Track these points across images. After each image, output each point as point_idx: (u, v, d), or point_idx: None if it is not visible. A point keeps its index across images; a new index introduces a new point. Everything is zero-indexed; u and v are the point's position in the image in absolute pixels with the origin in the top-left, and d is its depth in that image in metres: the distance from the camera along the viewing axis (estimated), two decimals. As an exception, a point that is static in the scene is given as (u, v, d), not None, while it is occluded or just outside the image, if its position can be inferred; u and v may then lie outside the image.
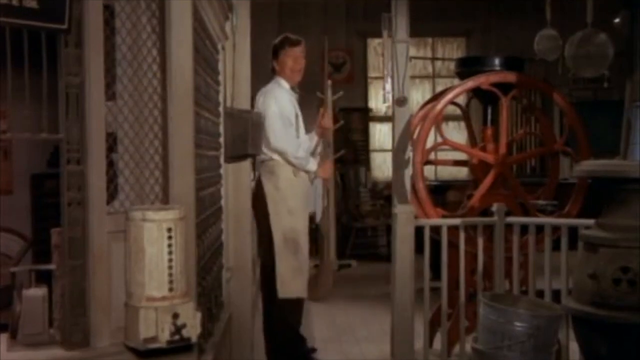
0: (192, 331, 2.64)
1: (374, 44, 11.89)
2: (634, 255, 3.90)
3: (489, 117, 7.55)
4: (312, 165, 4.75)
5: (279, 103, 4.64)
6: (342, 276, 8.33)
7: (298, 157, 4.64)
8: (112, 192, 2.78)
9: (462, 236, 5.07)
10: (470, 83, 7.12)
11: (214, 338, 3.34)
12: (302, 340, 4.71)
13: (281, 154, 4.59)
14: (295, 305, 4.58)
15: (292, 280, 4.51)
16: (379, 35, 9.32)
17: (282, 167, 4.64)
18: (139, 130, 2.87)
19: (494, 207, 5.16)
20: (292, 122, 4.69)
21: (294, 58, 4.74)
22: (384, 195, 10.33)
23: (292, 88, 4.81)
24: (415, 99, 11.08)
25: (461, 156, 6.69)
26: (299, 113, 4.80)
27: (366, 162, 11.72)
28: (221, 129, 4.25)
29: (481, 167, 5.79)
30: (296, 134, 4.72)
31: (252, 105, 4.81)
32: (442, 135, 5.79)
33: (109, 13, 2.76)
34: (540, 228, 5.29)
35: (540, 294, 5.17)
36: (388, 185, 8.66)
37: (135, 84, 2.85)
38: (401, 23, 5.35)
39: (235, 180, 4.65)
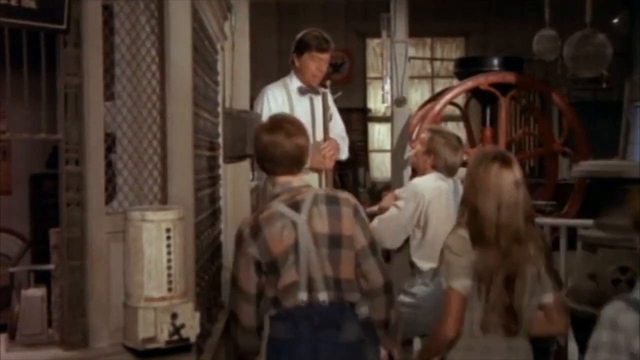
0: (191, 331, 2.64)
1: (373, 44, 11.91)
2: (632, 255, 3.90)
3: (488, 117, 7.58)
4: None
5: (268, 105, 4.38)
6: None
7: None
8: (110, 193, 2.78)
9: (461, 236, 5.06)
10: (469, 83, 7.14)
11: (213, 338, 3.34)
12: None
13: None
14: None
15: None
16: (378, 35, 9.36)
17: None
18: (138, 130, 2.87)
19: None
20: None
21: (318, 64, 4.41)
22: (383, 195, 10.33)
23: (304, 88, 4.44)
24: (414, 99, 11.09)
25: (460, 156, 6.67)
26: (299, 114, 4.29)
27: (365, 163, 11.73)
28: (220, 129, 4.25)
29: (480, 168, 5.79)
30: None
31: (252, 105, 4.75)
32: (441, 136, 5.78)
33: (108, 13, 2.76)
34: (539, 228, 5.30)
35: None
36: (387, 186, 8.67)
37: (134, 84, 2.85)
38: (400, 23, 5.36)
39: (235, 181, 4.64)
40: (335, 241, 2.75)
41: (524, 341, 2.69)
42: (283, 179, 2.88)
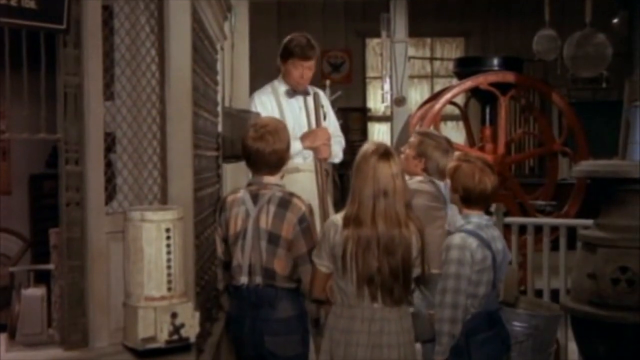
0: (191, 331, 2.64)
1: (372, 43, 11.90)
2: (632, 255, 3.91)
3: (488, 117, 7.57)
4: (294, 146, 4.06)
5: (256, 106, 4.42)
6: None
7: None
8: (110, 193, 2.78)
9: (460, 236, 5.06)
10: (468, 83, 7.14)
11: (213, 338, 3.34)
12: None
13: None
14: None
15: None
16: (377, 35, 9.35)
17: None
18: (138, 130, 2.86)
19: (493, 207, 5.16)
20: None
21: (302, 71, 4.35)
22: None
23: (293, 91, 4.41)
24: (414, 98, 11.09)
25: (460, 156, 6.67)
26: (289, 117, 4.34)
27: (365, 162, 11.71)
28: (220, 129, 4.24)
29: (480, 167, 5.78)
30: None
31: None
32: (440, 136, 5.78)
33: (108, 13, 2.76)
34: (538, 228, 5.30)
35: (539, 293, 5.17)
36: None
37: (133, 84, 2.85)
38: (400, 23, 5.37)
39: (234, 181, 4.64)
40: (273, 239, 3.14)
41: (394, 311, 2.98)
42: (259, 175, 3.27)
